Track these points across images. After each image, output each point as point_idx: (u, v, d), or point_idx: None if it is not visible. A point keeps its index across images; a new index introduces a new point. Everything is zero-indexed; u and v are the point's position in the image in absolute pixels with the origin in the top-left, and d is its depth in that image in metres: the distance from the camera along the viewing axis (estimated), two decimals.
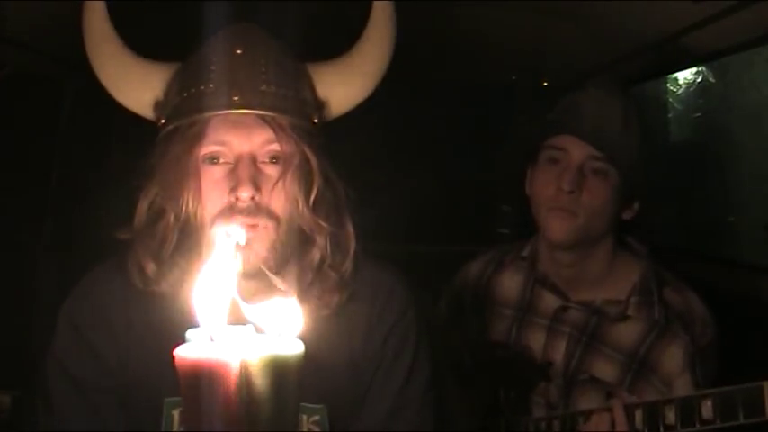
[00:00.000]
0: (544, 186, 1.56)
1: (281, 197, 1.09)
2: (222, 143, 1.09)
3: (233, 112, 1.08)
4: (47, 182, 2.46)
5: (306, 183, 1.12)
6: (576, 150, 1.51)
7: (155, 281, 1.13)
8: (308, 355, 1.14)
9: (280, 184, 1.09)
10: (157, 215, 1.14)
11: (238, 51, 1.13)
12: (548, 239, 1.59)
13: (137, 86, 1.17)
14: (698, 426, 1.30)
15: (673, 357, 1.51)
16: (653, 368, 1.52)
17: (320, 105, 1.19)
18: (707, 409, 1.30)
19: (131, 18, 1.24)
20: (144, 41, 1.20)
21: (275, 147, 1.10)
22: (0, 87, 1.96)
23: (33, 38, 1.89)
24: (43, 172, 2.45)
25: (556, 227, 1.54)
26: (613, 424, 1.39)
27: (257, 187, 1.08)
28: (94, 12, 1.20)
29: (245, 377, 0.51)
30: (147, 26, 1.51)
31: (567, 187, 1.49)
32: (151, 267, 1.13)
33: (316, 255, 1.16)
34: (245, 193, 1.06)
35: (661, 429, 1.35)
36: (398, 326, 1.22)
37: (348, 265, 1.18)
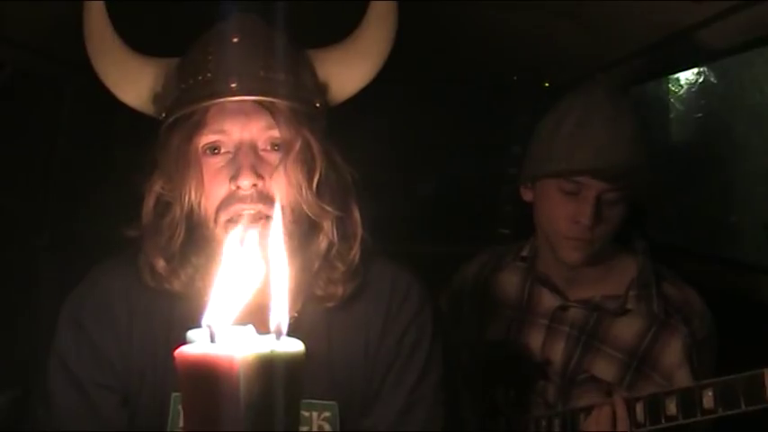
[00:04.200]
0: (557, 216, 1.54)
1: (282, 183, 1.08)
2: (221, 132, 1.08)
3: (230, 99, 1.07)
4: (47, 181, 2.46)
5: (309, 167, 1.10)
6: (593, 185, 1.49)
7: (166, 279, 1.12)
8: (322, 351, 1.15)
9: (281, 170, 1.08)
10: (164, 210, 1.13)
11: (235, 39, 1.12)
12: (560, 260, 1.58)
13: (136, 83, 1.17)
14: (699, 416, 1.31)
15: (673, 350, 1.51)
16: (654, 364, 1.52)
17: (322, 89, 1.17)
18: (708, 399, 1.30)
19: (131, 16, 1.24)
20: (144, 39, 1.20)
21: (275, 133, 1.09)
22: (1, 87, 1.96)
23: (34, 37, 1.89)
24: (44, 171, 2.44)
25: (571, 255, 1.55)
26: (615, 419, 1.39)
27: (258, 175, 1.06)
28: (94, 11, 1.20)
29: (245, 376, 0.51)
30: (146, 24, 1.51)
31: (587, 222, 1.48)
32: (161, 265, 1.12)
33: (323, 241, 1.14)
34: (245, 182, 1.05)
35: (663, 421, 1.35)
36: (414, 323, 1.22)
37: (355, 253, 1.16)
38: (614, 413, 1.39)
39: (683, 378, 1.48)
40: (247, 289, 0.55)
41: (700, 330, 1.52)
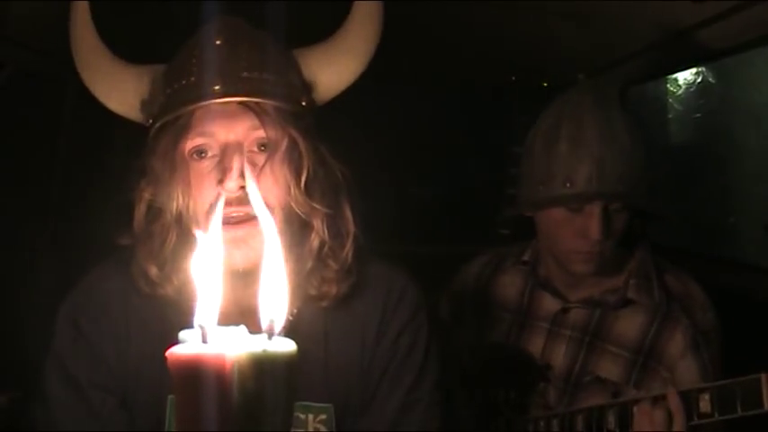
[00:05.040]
0: (564, 234, 1.53)
1: (270, 184, 1.07)
2: (207, 134, 1.07)
3: (214, 101, 1.06)
4: (49, 181, 2.47)
5: (296, 166, 1.09)
6: (596, 205, 1.48)
7: (160, 285, 1.12)
8: (319, 354, 1.14)
9: (268, 170, 1.07)
10: (155, 216, 1.13)
11: (218, 42, 1.11)
12: (570, 271, 1.58)
13: (122, 91, 1.17)
14: (696, 419, 1.30)
15: (675, 341, 1.50)
16: (659, 358, 1.51)
17: (308, 88, 1.16)
18: (704, 402, 1.29)
19: (118, 22, 1.24)
20: (130, 46, 1.20)
21: (261, 133, 1.07)
22: (2, 86, 1.97)
23: (35, 37, 1.90)
24: (45, 171, 2.45)
25: (582, 267, 1.54)
26: (670, 417, 1.32)
27: (245, 176, 1.04)
28: (79, 15, 1.19)
29: (237, 376, 0.51)
30: (133, 31, 1.51)
31: (597, 237, 1.47)
32: (154, 271, 1.11)
33: (315, 240, 1.13)
34: (232, 183, 1.04)
35: None
36: (410, 324, 1.21)
37: (348, 251, 1.15)
38: (670, 411, 1.32)
39: (686, 369, 1.47)
40: (221, 282, 0.55)
41: (702, 321, 1.51)
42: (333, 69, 1.18)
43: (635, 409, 1.38)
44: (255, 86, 1.08)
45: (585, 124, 1.50)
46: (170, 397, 1.12)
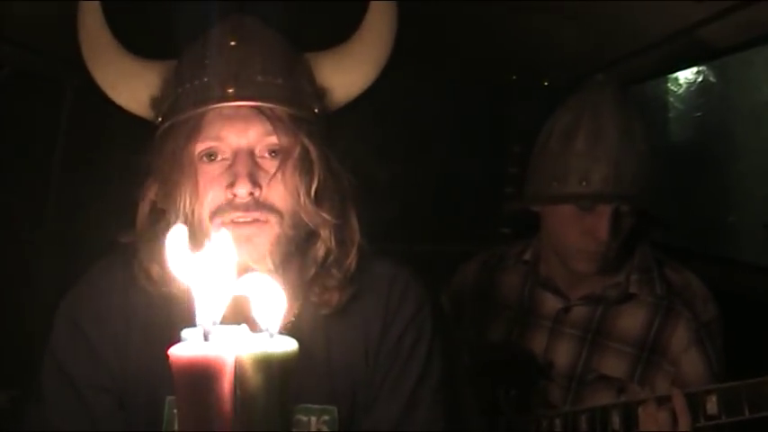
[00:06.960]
0: (572, 231, 1.53)
1: (280, 191, 1.06)
2: (218, 138, 1.06)
3: (227, 104, 1.05)
4: (47, 181, 2.46)
5: (307, 175, 1.08)
6: (608, 205, 1.49)
7: (162, 283, 1.10)
8: (321, 355, 1.14)
9: (279, 177, 1.06)
10: (158, 215, 1.12)
11: (232, 43, 1.10)
12: (572, 269, 1.58)
13: (132, 86, 1.15)
14: (702, 422, 1.30)
15: (678, 336, 1.51)
16: (662, 352, 1.52)
17: (320, 95, 1.15)
18: (711, 404, 1.29)
19: (128, 17, 1.24)
20: (142, 40, 1.20)
21: (273, 139, 1.06)
22: (1, 86, 1.96)
23: (34, 37, 1.89)
24: (44, 171, 2.45)
25: (585, 266, 1.55)
26: (675, 417, 1.33)
27: (256, 183, 1.04)
28: (89, 12, 1.18)
29: (238, 375, 0.51)
30: (144, 25, 1.51)
31: (605, 238, 1.48)
32: (156, 270, 1.10)
33: (320, 249, 1.13)
34: (242, 190, 1.03)
35: None
36: (414, 322, 1.20)
37: (352, 261, 1.15)
38: (674, 411, 1.33)
39: (689, 363, 1.48)
40: (228, 286, 0.55)
41: (704, 312, 1.52)
42: (346, 76, 1.17)
43: (640, 410, 1.38)
44: (269, 91, 1.07)
45: (605, 124, 1.51)
46: (168, 398, 1.12)
